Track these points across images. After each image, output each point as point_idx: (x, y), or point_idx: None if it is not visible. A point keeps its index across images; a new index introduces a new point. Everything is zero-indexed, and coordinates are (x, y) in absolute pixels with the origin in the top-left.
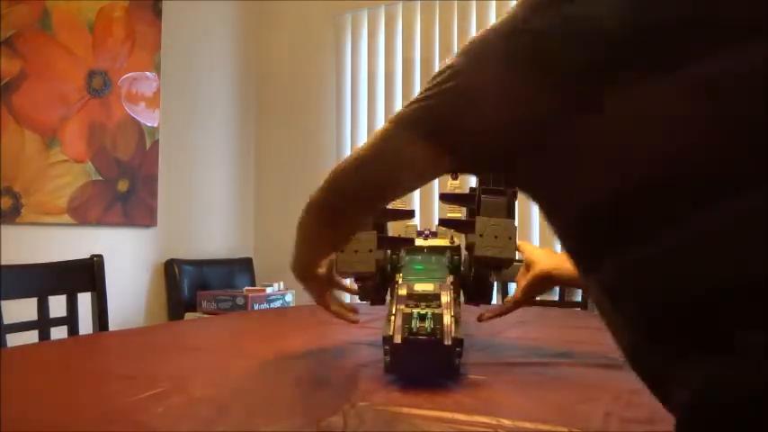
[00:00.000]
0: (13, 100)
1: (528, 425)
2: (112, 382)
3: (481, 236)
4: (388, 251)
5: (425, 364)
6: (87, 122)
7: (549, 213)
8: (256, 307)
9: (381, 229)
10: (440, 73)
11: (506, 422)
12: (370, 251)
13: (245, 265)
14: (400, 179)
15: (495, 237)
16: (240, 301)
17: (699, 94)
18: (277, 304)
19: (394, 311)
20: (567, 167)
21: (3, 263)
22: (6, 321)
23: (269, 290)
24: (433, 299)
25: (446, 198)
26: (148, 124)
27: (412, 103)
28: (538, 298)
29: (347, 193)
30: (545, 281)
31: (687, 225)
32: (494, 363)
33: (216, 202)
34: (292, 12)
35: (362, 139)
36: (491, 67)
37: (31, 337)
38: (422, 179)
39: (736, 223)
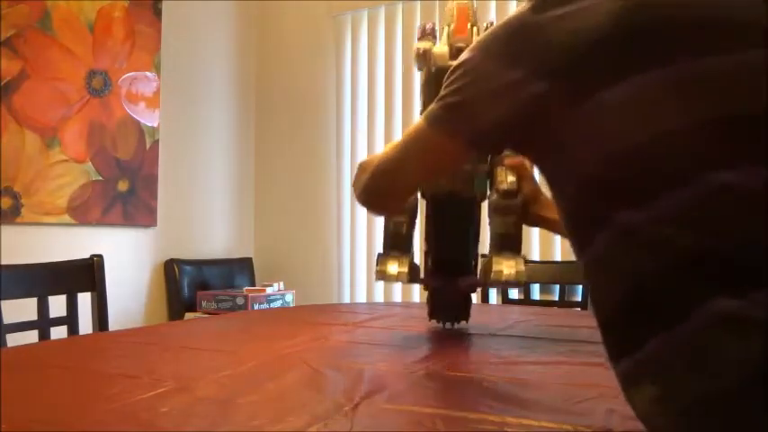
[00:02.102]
0: (13, 100)
1: (533, 422)
2: (115, 382)
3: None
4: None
5: None
6: (87, 122)
7: (557, 182)
8: (256, 307)
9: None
10: (459, 67)
11: (511, 420)
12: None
13: (245, 265)
14: (432, 174)
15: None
16: (240, 301)
17: (688, 85)
18: (277, 304)
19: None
20: (573, 145)
21: (3, 263)
22: (6, 321)
23: (269, 290)
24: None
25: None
26: (148, 124)
27: (438, 99)
28: (537, 297)
29: (387, 189)
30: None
31: (671, 196)
32: (496, 362)
33: (216, 201)
34: (292, 12)
35: (362, 139)
36: (499, 61)
37: (31, 337)
38: (451, 170)
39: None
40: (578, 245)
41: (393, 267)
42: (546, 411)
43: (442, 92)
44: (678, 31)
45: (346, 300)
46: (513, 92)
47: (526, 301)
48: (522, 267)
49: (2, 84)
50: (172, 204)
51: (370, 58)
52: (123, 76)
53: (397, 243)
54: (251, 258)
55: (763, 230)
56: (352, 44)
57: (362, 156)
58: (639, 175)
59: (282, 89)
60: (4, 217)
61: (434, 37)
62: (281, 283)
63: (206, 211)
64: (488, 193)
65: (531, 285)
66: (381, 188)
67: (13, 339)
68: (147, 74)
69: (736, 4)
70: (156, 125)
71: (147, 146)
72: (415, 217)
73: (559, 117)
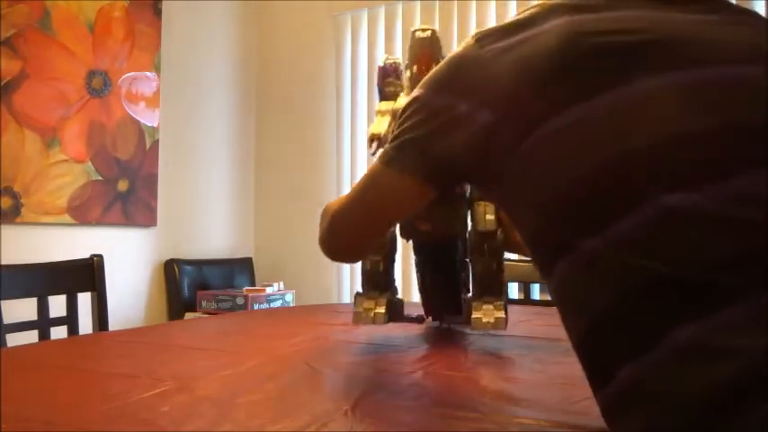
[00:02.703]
0: (13, 100)
1: (532, 422)
2: (115, 382)
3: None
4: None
5: None
6: (87, 122)
7: (517, 214)
8: (256, 307)
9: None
10: (409, 105)
11: (510, 419)
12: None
13: (245, 265)
14: (394, 215)
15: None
16: (240, 301)
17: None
18: (277, 304)
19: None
20: (525, 175)
21: (3, 263)
22: (6, 321)
23: (269, 290)
24: None
25: None
26: (148, 124)
27: (392, 140)
28: (537, 297)
29: (348, 235)
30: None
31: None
32: (496, 361)
33: (216, 202)
34: (292, 12)
35: (362, 139)
36: (448, 95)
37: (31, 337)
38: (412, 209)
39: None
40: (542, 272)
41: (370, 309)
42: (545, 411)
43: (395, 131)
44: (626, 53)
45: (346, 300)
46: (462, 125)
47: (526, 300)
48: (501, 314)
49: (2, 84)
50: (172, 204)
51: (370, 58)
52: (123, 76)
53: (375, 282)
54: (251, 258)
55: (715, 251)
56: (352, 44)
57: (362, 155)
58: (595, 201)
59: (283, 89)
60: (4, 217)
61: (398, 77)
62: (281, 283)
63: (206, 211)
64: (468, 229)
65: (531, 285)
66: (341, 235)
67: (13, 339)
68: (147, 74)
69: (674, 28)
70: (156, 125)
71: (147, 146)
72: (393, 253)
73: (511, 147)
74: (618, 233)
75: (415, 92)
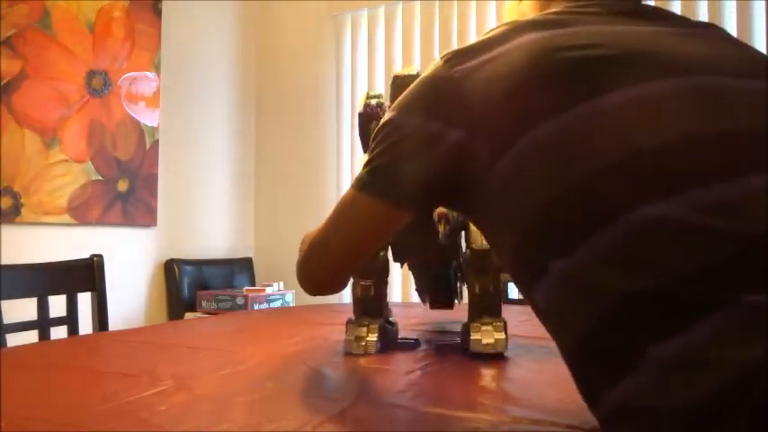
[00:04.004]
0: (13, 100)
1: (531, 421)
2: (114, 381)
3: None
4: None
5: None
6: (87, 122)
7: (495, 236)
8: (256, 307)
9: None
10: (381, 129)
11: (510, 419)
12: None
13: (245, 265)
14: (370, 242)
15: None
16: (240, 301)
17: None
18: (277, 304)
19: None
20: (500, 195)
21: (3, 263)
22: (6, 321)
23: (269, 290)
24: None
25: None
26: (148, 124)
27: (365, 165)
28: None
29: (325, 266)
30: None
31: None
32: (495, 361)
33: (216, 202)
34: (292, 12)
35: None
36: (419, 117)
37: (31, 337)
38: (389, 234)
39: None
40: (525, 296)
41: (361, 337)
42: (544, 410)
43: (368, 156)
44: (598, 66)
45: (346, 300)
46: (434, 145)
47: (526, 300)
48: (501, 335)
49: (2, 84)
50: (172, 204)
51: (369, 58)
52: (123, 76)
53: (366, 308)
54: (251, 258)
55: (690, 261)
56: (351, 44)
57: (362, 156)
58: (566, 220)
59: (282, 89)
60: (4, 217)
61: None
62: (281, 283)
63: (206, 211)
64: (463, 248)
65: None
66: (318, 266)
67: (13, 339)
68: (147, 74)
69: (643, 41)
70: (156, 125)
71: (147, 146)
72: (385, 277)
73: (485, 166)
74: (588, 252)
75: (387, 115)
